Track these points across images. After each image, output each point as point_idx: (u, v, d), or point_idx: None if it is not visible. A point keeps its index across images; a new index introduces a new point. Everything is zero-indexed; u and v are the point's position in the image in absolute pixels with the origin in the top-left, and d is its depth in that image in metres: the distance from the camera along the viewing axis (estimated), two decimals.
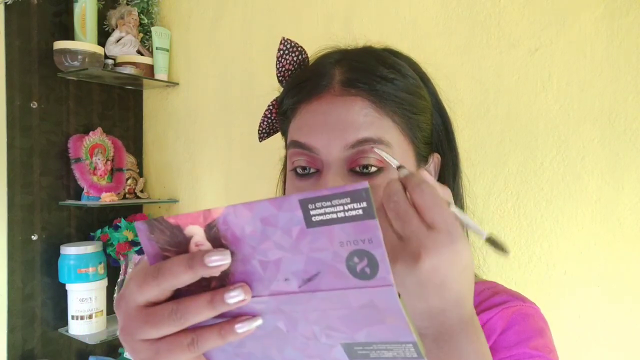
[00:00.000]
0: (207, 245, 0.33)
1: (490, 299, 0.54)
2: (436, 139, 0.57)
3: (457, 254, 0.37)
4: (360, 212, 0.29)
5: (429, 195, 0.38)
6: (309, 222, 0.30)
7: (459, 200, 0.60)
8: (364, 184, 0.28)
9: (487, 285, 0.57)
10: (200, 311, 0.32)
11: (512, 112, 1.04)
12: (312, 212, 0.30)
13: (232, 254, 0.33)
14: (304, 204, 0.30)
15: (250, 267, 0.33)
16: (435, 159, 0.57)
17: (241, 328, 0.33)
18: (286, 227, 0.31)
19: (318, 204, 0.30)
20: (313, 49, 0.61)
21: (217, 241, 0.33)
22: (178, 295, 0.34)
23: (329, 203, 0.29)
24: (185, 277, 0.32)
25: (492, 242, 0.40)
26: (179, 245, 0.33)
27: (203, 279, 0.33)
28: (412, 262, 0.36)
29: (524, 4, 1.03)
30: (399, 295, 0.32)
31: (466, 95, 1.09)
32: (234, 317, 0.34)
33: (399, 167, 0.45)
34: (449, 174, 0.59)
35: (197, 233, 0.33)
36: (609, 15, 0.93)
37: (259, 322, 0.34)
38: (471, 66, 1.09)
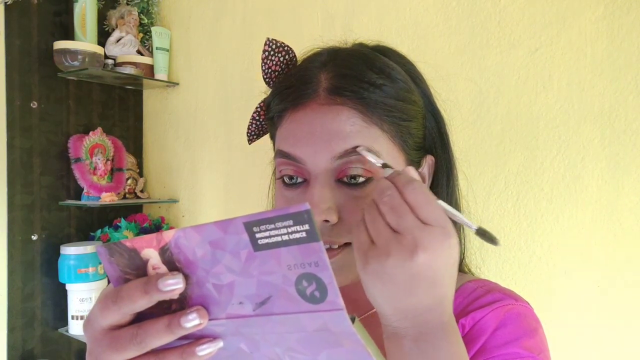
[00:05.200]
0: (164, 268, 0.33)
1: (483, 297, 0.54)
2: (429, 142, 0.56)
3: (450, 248, 0.38)
4: (304, 234, 0.29)
5: (420, 193, 0.38)
6: (256, 245, 0.30)
7: (453, 202, 0.59)
8: (305, 205, 0.28)
9: (480, 283, 0.57)
10: (159, 335, 0.32)
11: (512, 112, 1.04)
12: (257, 235, 0.30)
13: (187, 277, 0.33)
14: (249, 227, 0.30)
15: (206, 291, 0.33)
16: (429, 161, 0.56)
17: (202, 351, 0.33)
18: (234, 250, 0.31)
19: (262, 227, 0.29)
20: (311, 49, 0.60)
21: (172, 264, 0.33)
22: (142, 317, 0.34)
23: (272, 226, 0.29)
24: (142, 302, 0.32)
25: (482, 233, 0.41)
26: (138, 268, 0.33)
27: (164, 301, 0.33)
28: (408, 255, 0.36)
29: (524, 4, 1.03)
30: (355, 319, 0.32)
31: (466, 95, 1.09)
32: (197, 339, 0.34)
33: (384, 166, 0.45)
34: (443, 176, 0.58)
35: (152, 256, 0.33)
36: (609, 15, 0.93)
37: (219, 344, 0.34)
38: (471, 66, 1.09)
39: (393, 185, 0.39)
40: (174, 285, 0.32)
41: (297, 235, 0.29)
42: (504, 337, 0.50)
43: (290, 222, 0.28)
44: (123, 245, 0.33)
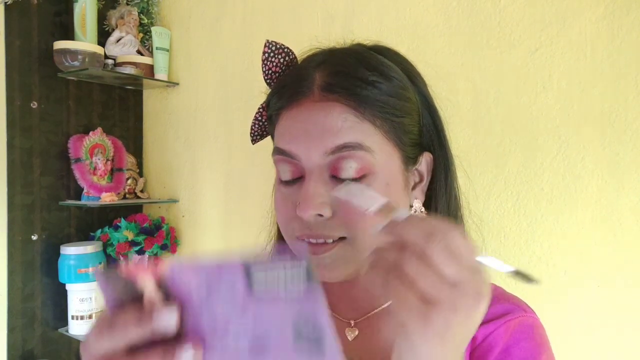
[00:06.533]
0: (159, 299, 0.33)
1: (491, 307, 0.52)
2: (427, 139, 0.56)
3: (478, 312, 0.35)
4: (302, 281, 0.29)
5: (463, 238, 0.35)
6: (253, 287, 0.31)
7: (453, 198, 0.59)
8: (304, 256, 0.28)
9: None
10: None
11: (512, 112, 1.04)
12: (254, 277, 0.30)
13: (183, 309, 0.33)
14: (246, 269, 0.30)
15: (202, 324, 0.33)
16: (426, 158, 0.56)
17: None
18: (231, 290, 0.31)
19: (260, 267, 0.30)
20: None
21: (168, 296, 0.33)
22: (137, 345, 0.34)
23: (270, 269, 0.30)
24: (135, 333, 0.33)
25: (521, 275, 0.39)
26: (134, 298, 0.34)
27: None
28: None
29: (524, 4, 1.03)
30: None
31: (466, 95, 1.09)
32: None
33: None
34: (440, 172, 0.58)
35: (149, 286, 0.33)
36: (609, 15, 0.93)
37: None
38: (471, 66, 1.09)
39: (439, 230, 0.35)
40: (168, 320, 0.32)
41: (296, 286, 0.29)
42: (519, 355, 0.50)
43: (289, 267, 0.29)
44: (121, 273, 0.33)
